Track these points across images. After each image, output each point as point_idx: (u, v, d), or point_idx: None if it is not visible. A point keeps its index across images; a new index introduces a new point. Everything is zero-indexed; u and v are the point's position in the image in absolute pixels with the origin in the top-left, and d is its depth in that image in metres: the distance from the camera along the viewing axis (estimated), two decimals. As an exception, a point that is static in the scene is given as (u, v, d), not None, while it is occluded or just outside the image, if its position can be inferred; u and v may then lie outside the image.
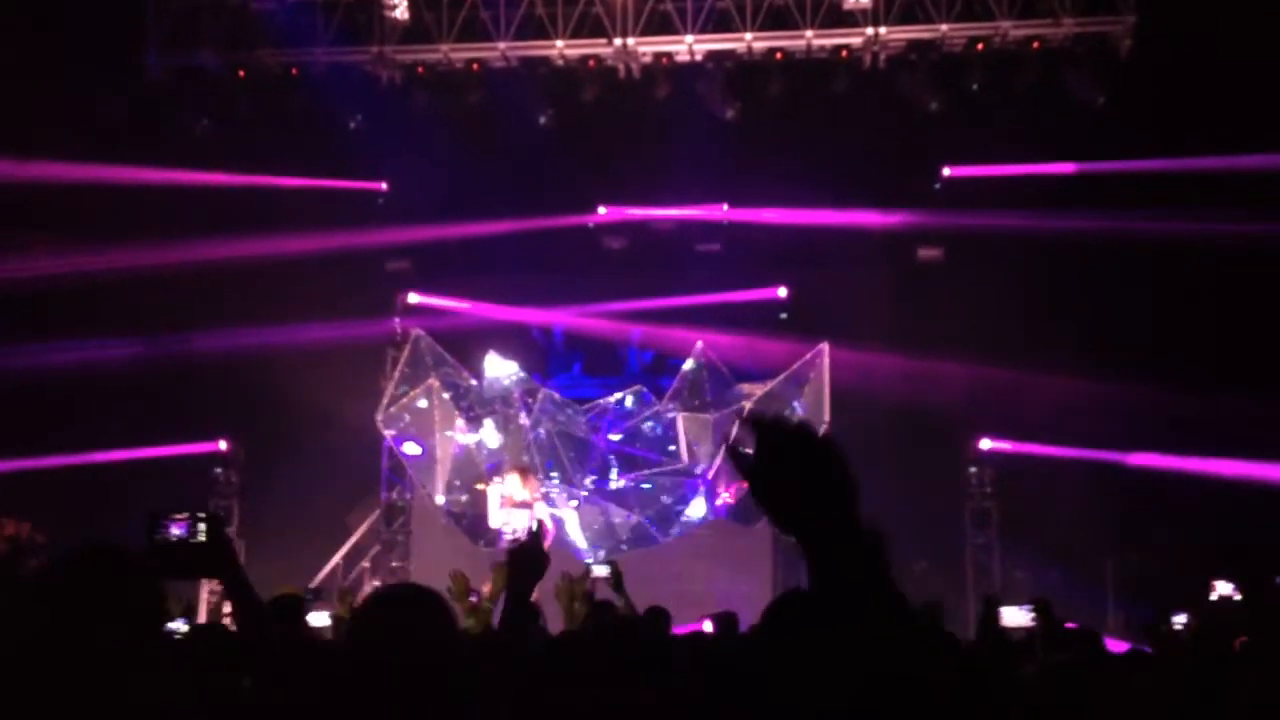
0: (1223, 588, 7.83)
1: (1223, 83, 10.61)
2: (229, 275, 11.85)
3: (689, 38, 12.07)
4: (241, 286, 12.07)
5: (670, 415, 12.25)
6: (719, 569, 11.83)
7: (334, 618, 7.57)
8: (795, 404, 12.06)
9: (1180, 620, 6.96)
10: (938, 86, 12.05)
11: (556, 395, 12.46)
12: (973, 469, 12.82)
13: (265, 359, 12.05)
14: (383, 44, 12.29)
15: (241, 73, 12.45)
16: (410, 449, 12.40)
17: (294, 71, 12.43)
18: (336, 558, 12.80)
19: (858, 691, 1.41)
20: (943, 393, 11.72)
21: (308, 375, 12.09)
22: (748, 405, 11.98)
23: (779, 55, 12.06)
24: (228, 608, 3.64)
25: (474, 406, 12.41)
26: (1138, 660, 5.12)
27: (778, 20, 11.97)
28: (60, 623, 2.11)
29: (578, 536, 12.02)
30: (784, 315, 13.28)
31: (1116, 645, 6.56)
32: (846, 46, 12.00)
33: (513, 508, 9.74)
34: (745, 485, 1.66)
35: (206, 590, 11.14)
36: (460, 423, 12.34)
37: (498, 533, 10.32)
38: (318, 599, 9.58)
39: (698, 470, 12.11)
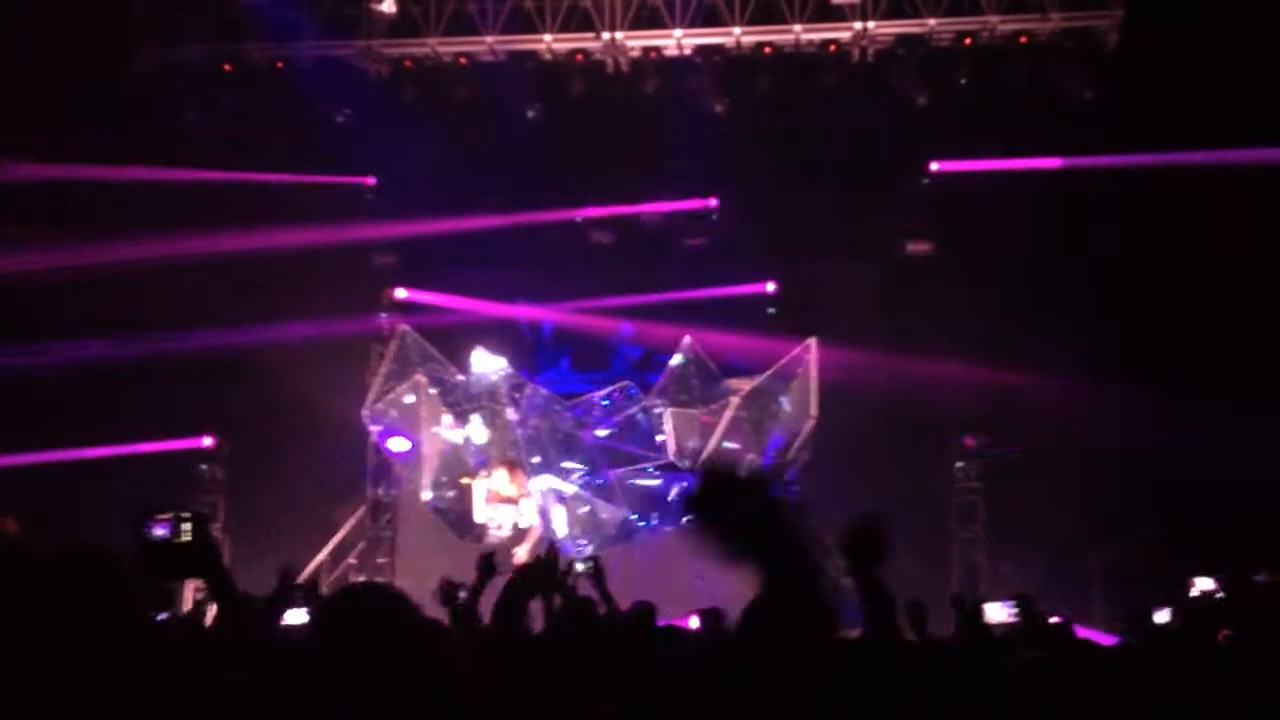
0: (1203, 584, 7.84)
1: (1210, 76, 10.62)
2: (215, 270, 11.82)
3: (677, 32, 12.05)
4: (228, 282, 12.02)
5: (658, 410, 12.25)
6: (705, 564, 11.78)
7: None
8: (782, 399, 12.07)
9: (1163, 616, 6.97)
10: (926, 81, 12.09)
11: (544, 390, 12.44)
12: (959, 463, 12.83)
13: (252, 355, 12.03)
14: (370, 38, 12.25)
15: (228, 67, 12.40)
16: (397, 444, 12.37)
17: (280, 65, 12.39)
18: (322, 554, 12.75)
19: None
20: (930, 387, 11.71)
21: (294, 371, 12.07)
22: (735, 400, 11.98)
23: (767, 50, 12.06)
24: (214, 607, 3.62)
25: (461, 402, 12.38)
26: (1121, 655, 5.13)
27: (766, 15, 11.97)
28: (47, 620, 2.09)
29: (564, 531, 12.00)
30: (772, 310, 13.27)
31: (1103, 638, 6.57)
32: (835, 41, 12.00)
33: (499, 503, 9.73)
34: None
35: (192, 588, 11.08)
36: (447, 418, 12.31)
37: (483, 528, 10.32)
38: (305, 595, 9.53)
39: (684, 465, 12.10)
